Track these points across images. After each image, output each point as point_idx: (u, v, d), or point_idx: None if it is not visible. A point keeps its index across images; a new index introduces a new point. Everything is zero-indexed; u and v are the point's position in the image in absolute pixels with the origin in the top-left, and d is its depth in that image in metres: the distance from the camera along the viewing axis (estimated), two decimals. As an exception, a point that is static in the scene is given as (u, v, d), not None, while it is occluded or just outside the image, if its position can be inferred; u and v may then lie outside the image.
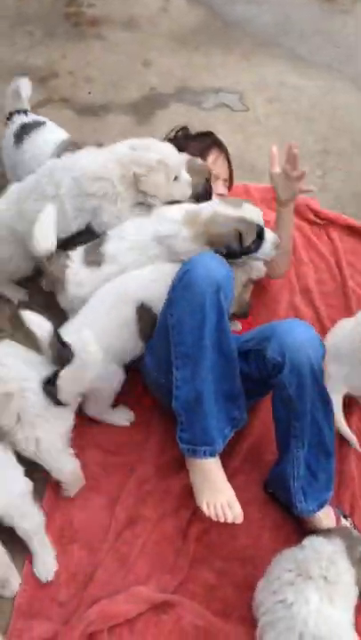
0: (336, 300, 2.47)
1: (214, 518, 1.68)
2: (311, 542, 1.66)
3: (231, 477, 1.93)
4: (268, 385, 1.86)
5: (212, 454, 1.76)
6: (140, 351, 1.97)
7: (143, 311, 1.90)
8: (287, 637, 1.51)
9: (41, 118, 2.55)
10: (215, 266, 1.73)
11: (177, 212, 2.01)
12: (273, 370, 1.76)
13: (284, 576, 1.59)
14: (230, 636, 1.66)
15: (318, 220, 2.76)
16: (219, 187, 2.33)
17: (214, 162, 2.36)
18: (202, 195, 2.15)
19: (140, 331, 1.93)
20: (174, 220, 1.97)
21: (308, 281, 2.52)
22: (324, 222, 2.75)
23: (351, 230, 2.72)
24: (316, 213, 2.76)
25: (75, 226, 2.12)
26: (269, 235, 1.99)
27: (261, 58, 3.73)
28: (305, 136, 3.23)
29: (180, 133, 2.47)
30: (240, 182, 2.90)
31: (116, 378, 1.99)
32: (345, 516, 1.87)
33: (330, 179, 3.02)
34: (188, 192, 2.14)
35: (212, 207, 1.96)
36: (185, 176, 2.12)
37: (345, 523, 1.85)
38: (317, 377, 1.73)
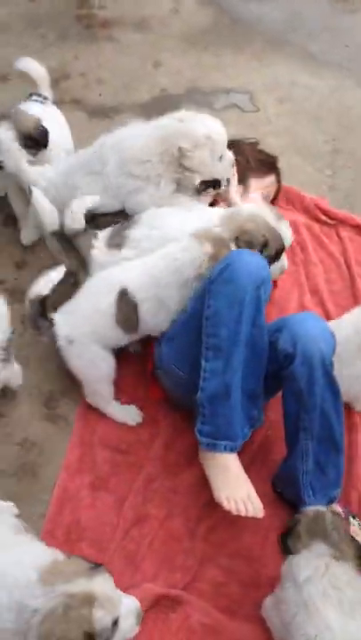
0: (345, 300, 2.48)
1: (235, 512, 1.69)
2: None
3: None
4: (278, 381, 1.87)
5: (232, 449, 1.77)
6: (126, 341, 2.01)
7: (123, 302, 1.93)
8: None
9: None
10: (257, 263, 1.77)
11: (219, 212, 2.06)
12: (284, 361, 1.77)
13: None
14: (236, 633, 1.68)
15: (328, 220, 2.76)
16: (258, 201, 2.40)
17: (267, 186, 2.45)
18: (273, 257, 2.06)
19: (118, 321, 1.95)
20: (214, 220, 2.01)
21: (317, 281, 2.53)
22: (334, 222, 2.75)
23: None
24: (326, 212, 2.76)
25: (118, 204, 2.14)
26: (284, 260, 2.05)
27: (272, 57, 3.72)
28: (315, 135, 3.23)
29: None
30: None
31: (104, 363, 2.01)
32: (353, 516, 1.87)
33: (339, 178, 3.01)
34: (230, 173, 2.13)
35: (257, 209, 2.04)
36: (229, 156, 2.11)
37: (353, 522, 1.84)
38: (328, 369, 1.74)
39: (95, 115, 3.34)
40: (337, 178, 3.02)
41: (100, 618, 1.35)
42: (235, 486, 1.73)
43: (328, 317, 2.41)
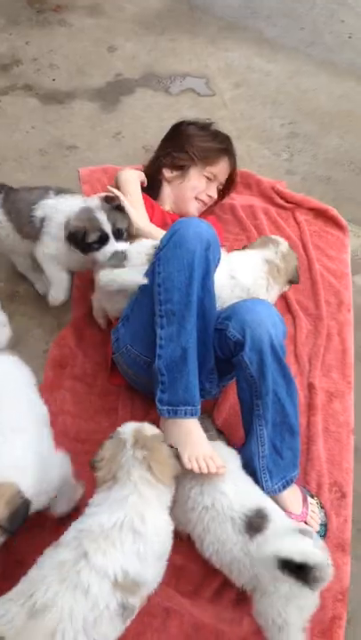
0: (303, 283, 2.47)
1: (197, 470, 1.68)
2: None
3: (199, 460, 1.97)
4: (230, 366, 1.87)
5: (193, 414, 1.77)
6: None
7: None
8: (223, 528, 1.62)
9: None
10: (205, 227, 1.79)
11: (258, 263, 2.11)
12: (235, 348, 1.77)
13: (190, 492, 1.69)
14: (199, 616, 1.67)
15: (285, 204, 2.76)
16: (212, 189, 2.46)
17: (221, 169, 2.45)
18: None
19: None
20: (258, 273, 2.08)
21: (275, 264, 2.52)
22: (291, 205, 2.75)
23: (318, 213, 2.72)
24: (283, 196, 2.76)
25: None
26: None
27: (228, 42, 3.71)
28: (272, 119, 3.23)
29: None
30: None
31: None
32: (311, 496, 1.89)
33: (297, 161, 3.02)
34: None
35: (284, 245, 2.18)
36: None
37: (312, 502, 1.86)
38: (278, 354, 1.74)
39: (49, 100, 3.28)
40: (294, 161, 3.02)
41: None
42: (196, 446, 1.73)
43: (286, 299, 2.42)
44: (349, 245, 2.64)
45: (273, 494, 1.80)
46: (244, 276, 2.05)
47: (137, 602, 1.45)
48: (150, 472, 1.52)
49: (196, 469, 1.68)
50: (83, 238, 2.10)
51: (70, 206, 2.14)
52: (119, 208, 2.13)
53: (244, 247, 2.25)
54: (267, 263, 2.11)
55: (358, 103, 3.34)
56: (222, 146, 2.47)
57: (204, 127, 2.50)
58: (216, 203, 2.59)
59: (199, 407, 1.78)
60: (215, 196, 2.49)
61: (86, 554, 1.40)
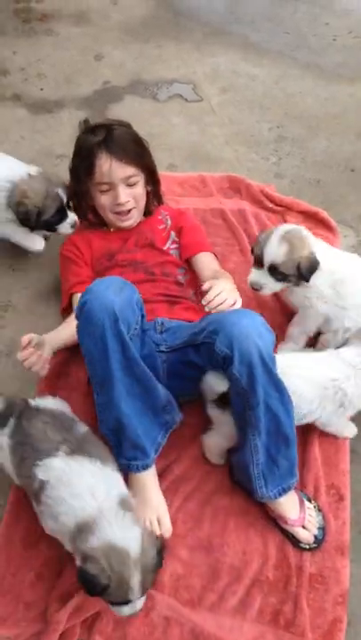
0: (295, 286, 2.48)
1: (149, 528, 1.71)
2: None
3: (196, 465, 1.98)
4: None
5: (145, 467, 1.80)
6: None
7: None
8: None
9: None
10: (111, 296, 1.71)
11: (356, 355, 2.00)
12: (224, 363, 1.75)
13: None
14: (198, 624, 1.67)
15: (275, 207, 2.77)
16: (118, 196, 2.18)
17: (100, 173, 2.15)
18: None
19: None
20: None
21: (266, 268, 2.53)
22: (280, 209, 2.76)
23: (307, 215, 2.73)
24: (272, 199, 2.77)
25: None
26: None
27: (214, 47, 3.73)
28: (259, 124, 3.24)
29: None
30: (196, 172, 2.91)
31: None
32: (308, 499, 1.89)
33: (285, 165, 3.03)
34: None
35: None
36: None
37: (309, 506, 1.87)
38: (268, 365, 1.72)
39: (37, 110, 3.28)
40: (282, 165, 3.03)
41: None
42: (147, 507, 1.78)
43: (280, 302, 2.42)
44: (339, 246, 2.65)
45: (268, 500, 1.80)
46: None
47: None
48: None
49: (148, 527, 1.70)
50: (38, 217, 2.23)
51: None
52: None
53: None
54: None
55: (345, 105, 3.35)
56: (85, 149, 2.16)
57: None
58: (154, 193, 2.34)
59: (151, 458, 1.81)
60: (135, 194, 2.20)
61: None
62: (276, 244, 1.99)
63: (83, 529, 1.55)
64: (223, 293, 1.86)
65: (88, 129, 2.20)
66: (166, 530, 1.78)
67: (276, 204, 2.76)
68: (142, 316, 1.83)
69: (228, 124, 3.23)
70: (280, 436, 1.77)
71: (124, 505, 1.60)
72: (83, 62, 3.60)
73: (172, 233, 2.35)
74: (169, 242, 2.33)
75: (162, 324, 2.04)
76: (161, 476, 1.89)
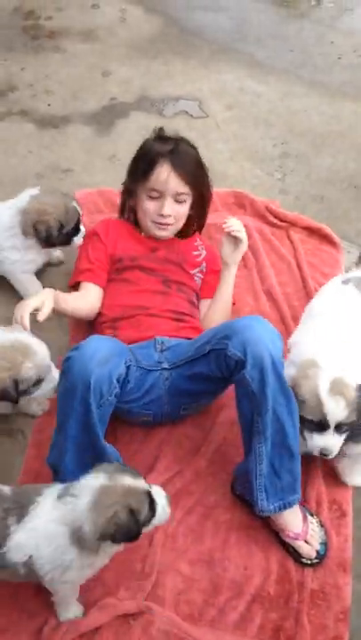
0: (299, 301, 2.50)
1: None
2: None
3: (198, 479, 1.98)
4: (228, 382, 1.90)
5: None
6: None
7: None
8: None
9: None
10: (91, 366, 1.70)
11: None
12: (235, 367, 1.77)
13: None
14: (197, 637, 1.65)
15: (279, 223, 2.79)
16: (165, 207, 2.22)
17: (156, 180, 2.19)
18: None
19: None
20: None
21: (270, 283, 2.55)
22: (285, 224, 2.78)
23: (311, 231, 2.75)
24: (276, 215, 2.79)
25: None
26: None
27: (219, 64, 3.78)
28: (264, 140, 3.28)
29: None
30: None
31: None
32: (311, 514, 1.88)
33: (290, 181, 3.06)
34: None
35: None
36: None
37: (312, 521, 1.86)
38: (279, 371, 1.74)
39: (44, 125, 3.33)
40: (287, 181, 3.06)
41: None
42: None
43: (283, 319, 2.43)
44: (343, 262, 2.67)
45: (268, 514, 1.80)
46: None
47: None
48: None
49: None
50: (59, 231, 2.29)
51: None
52: None
53: None
54: None
55: (349, 123, 3.39)
56: (149, 154, 2.21)
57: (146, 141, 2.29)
58: (200, 217, 2.40)
59: None
60: (178, 212, 2.24)
61: None
62: (332, 400, 1.76)
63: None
64: (243, 231, 2.13)
65: (158, 137, 2.27)
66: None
67: (281, 220, 2.79)
68: (122, 387, 1.82)
69: (234, 140, 3.27)
70: (284, 448, 1.77)
71: None
72: (90, 79, 3.65)
73: (204, 264, 2.38)
74: (197, 269, 2.35)
75: (162, 343, 2.05)
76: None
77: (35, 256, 2.42)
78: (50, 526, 1.53)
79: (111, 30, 4.02)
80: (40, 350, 1.83)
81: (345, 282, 2.12)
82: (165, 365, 1.98)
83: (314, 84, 3.64)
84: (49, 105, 3.46)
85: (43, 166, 3.07)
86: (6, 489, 1.62)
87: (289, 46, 3.94)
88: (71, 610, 1.69)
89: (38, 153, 3.16)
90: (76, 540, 1.51)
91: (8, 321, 1.92)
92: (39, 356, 1.82)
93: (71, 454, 1.77)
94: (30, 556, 1.54)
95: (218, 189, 2.93)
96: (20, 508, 1.56)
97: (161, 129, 2.31)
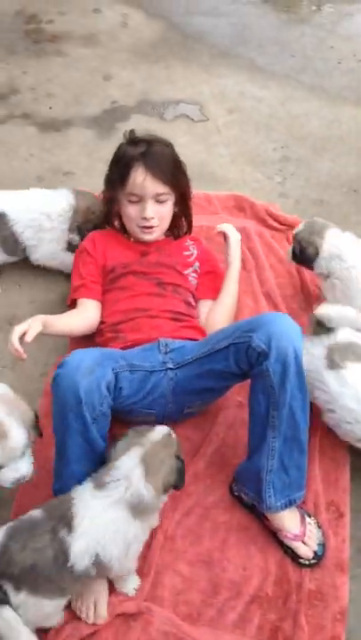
0: (298, 304, 2.51)
1: (77, 613, 1.71)
2: None
3: (196, 480, 1.98)
4: (240, 378, 1.90)
5: None
6: None
7: None
8: None
9: None
10: (77, 377, 1.70)
11: None
12: (257, 359, 1.77)
13: None
14: (196, 637, 1.66)
15: (279, 226, 2.81)
16: (146, 209, 2.21)
17: (133, 184, 2.18)
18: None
19: None
20: None
21: (269, 286, 2.56)
22: (284, 227, 2.80)
23: (311, 234, 2.76)
24: (276, 218, 2.81)
25: None
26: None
27: (220, 69, 3.80)
28: (265, 144, 3.30)
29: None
30: (202, 191, 2.95)
31: None
32: (308, 515, 1.89)
33: (290, 185, 3.08)
34: None
35: None
36: None
37: (309, 522, 1.87)
38: (300, 367, 1.76)
39: (46, 128, 3.35)
40: (287, 185, 3.08)
41: None
42: (87, 589, 1.71)
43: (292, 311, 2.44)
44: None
45: (273, 511, 1.81)
46: None
47: None
48: None
49: (77, 612, 1.71)
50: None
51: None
52: None
53: None
54: None
55: (349, 127, 3.41)
56: (123, 159, 2.20)
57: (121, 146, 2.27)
58: (186, 214, 2.36)
59: None
60: (161, 212, 2.22)
61: None
62: None
63: None
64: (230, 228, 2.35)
65: (130, 140, 2.25)
66: (98, 616, 1.69)
67: (281, 223, 2.80)
68: (116, 395, 1.82)
69: (234, 143, 3.29)
70: (295, 443, 1.79)
71: None
72: (91, 82, 3.68)
73: (197, 263, 2.37)
74: (190, 269, 2.34)
75: (166, 345, 2.05)
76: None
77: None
78: (104, 518, 1.58)
79: (112, 35, 4.05)
80: (14, 435, 1.63)
81: None
82: (170, 365, 1.98)
83: (314, 89, 3.66)
84: (50, 108, 3.48)
85: (44, 169, 3.09)
86: (37, 512, 1.63)
87: (289, 51, 3.96)
88: (133, 580, 1.76)
89: (40, 156, 3.18)
90: (138, 513, 1.58)
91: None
92: (10, 442, 1.63)
93: (78, 476, 1.74)
94: (97, 555, 1.57)
95: (218, 193, 2.96)
96: (63, 519, 1.58)
97: (132, 131, 2.29)
